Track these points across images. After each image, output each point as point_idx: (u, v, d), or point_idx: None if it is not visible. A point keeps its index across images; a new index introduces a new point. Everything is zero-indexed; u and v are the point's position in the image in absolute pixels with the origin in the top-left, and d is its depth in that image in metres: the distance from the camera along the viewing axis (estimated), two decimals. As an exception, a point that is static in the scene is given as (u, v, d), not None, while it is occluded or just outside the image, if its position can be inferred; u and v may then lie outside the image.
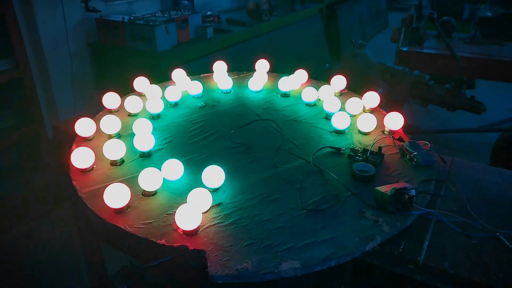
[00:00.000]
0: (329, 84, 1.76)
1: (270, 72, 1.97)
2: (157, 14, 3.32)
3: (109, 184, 1.11)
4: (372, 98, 1.61)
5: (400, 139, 1.35)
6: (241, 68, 2.08)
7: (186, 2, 3.90)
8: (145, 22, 2.95)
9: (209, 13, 3.76)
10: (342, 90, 1.79)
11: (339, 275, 1.20)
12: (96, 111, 1.63)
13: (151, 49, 2.97)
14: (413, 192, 1.09)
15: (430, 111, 3.87)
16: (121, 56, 3.07)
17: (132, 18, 3.12)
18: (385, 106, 1.65)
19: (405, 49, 4.06)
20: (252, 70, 1.99)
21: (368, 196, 1.17)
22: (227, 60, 1.98)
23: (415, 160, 1.29)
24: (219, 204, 1.14)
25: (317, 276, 1.22)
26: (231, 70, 2.00)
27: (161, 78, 1.96)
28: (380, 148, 1.33)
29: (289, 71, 1.91)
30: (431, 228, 1.13)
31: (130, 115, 1.59)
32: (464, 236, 1.10)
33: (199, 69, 2.35)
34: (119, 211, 1.09)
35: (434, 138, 3.49)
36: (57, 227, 2.61)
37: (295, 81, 1.81)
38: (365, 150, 1.34)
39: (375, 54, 3.52)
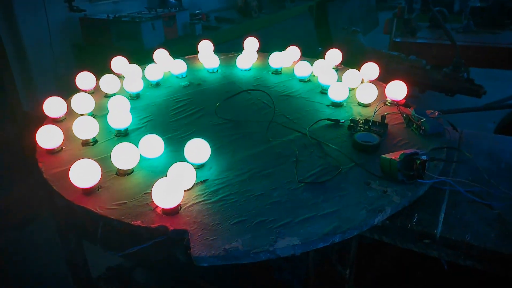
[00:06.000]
0: (324, 59, 1.63)
1: (259, 51, 1.84)
2: (143, 12, 3.23)
3: (78, 164, 0.97)
4: (371, 70, 1.48)
5: (406, 105, 1.22)
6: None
7: (173, 0, 3.81)
8: (131, 20, 2.85)
9: (197, 11, 3.67)
10: (337, 65, 1.66)
11: (343, 259, 1.06)
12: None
13: (138, 46, 2.87)
14: (425, 157, 0.95)
15: (426, 97, 3.77)
16: (107, 56, 2.96)
17: (117, 16, 3.02)
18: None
19: (398, 40, 3.97)
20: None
21: (373, 167, 1.03)
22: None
23: (422, 128, 1.16)
24: (205, 180, 1.00)
25: (319, 260, 1.08)
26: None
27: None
28: (383, 117, 1.20)
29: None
30: (446, 199, 1.00)
31: (106, 96, 1.45)
32: (484, 206, 0.97)
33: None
34: (88, 192, 0.95)
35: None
36: (40, 234, 2.44)
37: (287, 58, 1.67)
38: (366, 121, 1.20)
39: (367, 42, 3.41)
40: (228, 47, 3.38)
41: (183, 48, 2.98)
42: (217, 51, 3.20)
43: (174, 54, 2.87)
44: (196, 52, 2.99)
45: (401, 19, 4.13)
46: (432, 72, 2.87)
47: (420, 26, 4.43)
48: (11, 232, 2.47)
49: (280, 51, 1.66)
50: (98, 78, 1.50)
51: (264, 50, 1.80)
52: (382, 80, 1.53)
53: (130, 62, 2.37)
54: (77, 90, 1.49)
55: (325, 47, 4.53)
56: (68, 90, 2.91)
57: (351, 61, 2.16)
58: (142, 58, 2.70)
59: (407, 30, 4.06)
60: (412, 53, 3.86)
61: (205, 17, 3.77)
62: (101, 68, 2.97)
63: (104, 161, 1.06)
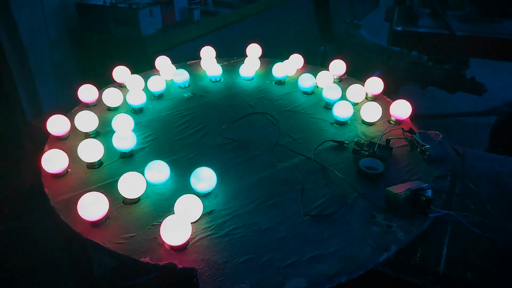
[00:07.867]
0: (327, 70, 1.62)
1: (262, 57, 1.81)
2: (140, -4, 3.14)
3: (85, 192, 0.97)
4: (375, 85, 1.47)
5: (410, 131, 1.22)
6: (231, 52, 1.92)
7: (171, -16, 3.70)
8: (128, 5, 2.78)
9: (195, -7, 3.57)
10: (341, 76, 1.65)
11: (346, 285, 1.09)
12: (79, 103, 1.47)
13: (135, 33, 2.80)
14: (429, 192, 0.96)
15: (426, 92, 3.76)
16: (103, 43, 2.91)
17: (114, 1, 2.94)
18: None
19: (399, 28, 3.91)
20: (243, 55, 1.84)
21: (378, 197, 1.04)
22: (216, 45, 1.83)
23: (427, 153, 1.16)
24: (211, 211, 1.00)
25: None
26: (221, 55, 1.84)
27: (147, 64, 1.81)
28: (388, 140, 1.20)
29: (281, 54, 1.76)
30: (448, 231, 1.02)
31: (109, 109, 1.43)
32: (486, 240, 0.99)
33: (187, 54, 2.18)
34: (96, 224, 0.95)
35: (432, 121, 3.38)
36: (40, 224, 2.45)
37: (290, 67, 1.66)
38: (371, 144, 1.21)
39: (369, 34, 3.37)
40: (228, 32, 3.33)
41: (181, 35, 2.93)
42: (217, 35, 3.12)
43: (172, 41, 2.83)
44: (194, 37, 2.95)
45: (402, 7, 4.06)
46: (433, 68, 2.85)
47: (422, 12, 4.35)
48: (10, 222, 2.49)
49: (282, 55, 1.63)
50: (97, 69, 1.46)
51: (264, 37, 1.74)
52: (384, 77, 1.51)
53: (128, 51, 2.30)
54: (78, 102, 1.47)
55: (325, 32, 4.45)
56: (64, 79, 2.88)
57: (353, 58, 2.14)
58: (140, 45, 2.67)
59: (408, 18, 4.01)
60: (413, 42, 3.82)
61: (203, 1, 3.68)
62: (98, 55, 2.93)
63: (110, 187, 1.07)
